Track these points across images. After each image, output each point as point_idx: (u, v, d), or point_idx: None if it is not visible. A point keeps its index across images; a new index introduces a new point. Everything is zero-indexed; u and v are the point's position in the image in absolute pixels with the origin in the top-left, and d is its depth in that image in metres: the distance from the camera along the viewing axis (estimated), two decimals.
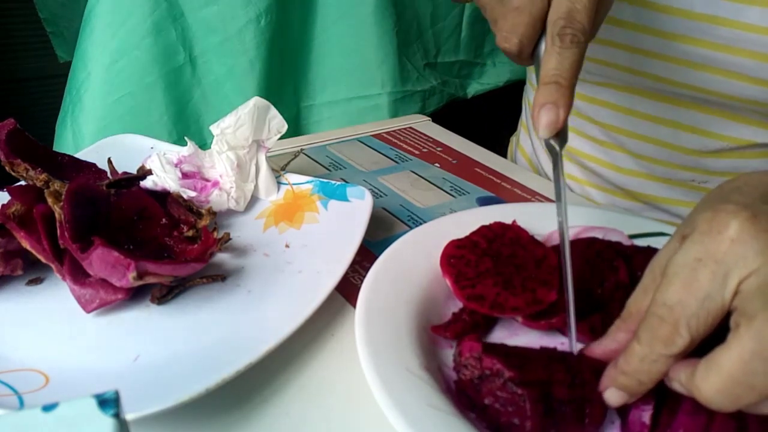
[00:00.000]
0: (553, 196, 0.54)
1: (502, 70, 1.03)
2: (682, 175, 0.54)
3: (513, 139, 0.76)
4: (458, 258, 0.36)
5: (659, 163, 0.54)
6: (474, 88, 1.03)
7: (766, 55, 0.43)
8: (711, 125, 0.50)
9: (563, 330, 0.34)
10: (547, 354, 0.30)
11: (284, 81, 0.83)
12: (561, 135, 0.30)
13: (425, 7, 0.91)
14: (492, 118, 0.85)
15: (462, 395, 0.29)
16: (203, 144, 0.73)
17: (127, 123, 0.69)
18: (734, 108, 0.48)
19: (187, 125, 0.75)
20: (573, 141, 0.60)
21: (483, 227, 0.39)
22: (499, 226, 0.39)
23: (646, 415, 0.27)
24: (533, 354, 0.30)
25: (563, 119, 0.30)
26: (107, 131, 0.68)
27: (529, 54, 0.33)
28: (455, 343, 0.32)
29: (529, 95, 0.66)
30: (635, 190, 0.57)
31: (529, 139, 0.69)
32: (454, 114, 0.94)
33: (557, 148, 0.31)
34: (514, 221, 0.40)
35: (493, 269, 0.35)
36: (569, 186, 0.63)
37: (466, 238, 0.38)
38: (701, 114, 0.50)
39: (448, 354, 0.33)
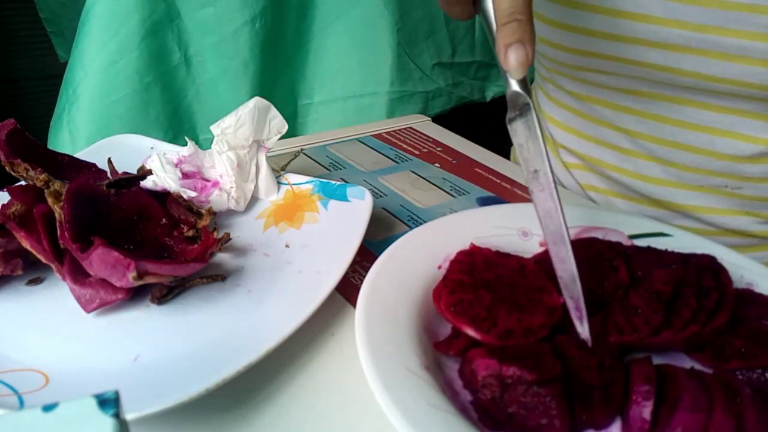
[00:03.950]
0: None
1: None
2: (715, 182, 0.52)
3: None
4: (458, 303, 0.33)
5: (690, 170, 0.52)
6: (493, 91, 1.02)
7: None
8: (746, 128, 0.48)
9: (566, 329, 0.34)
10: (548, 346, 0.30)
11: (278, 81, 0.83)
12: (525, 81, 0.31)
13: (437, 5, 0.90)
14: (495, 124, 0.85)
15: (485, 416, 0.29)
16: (195, 141, 0.74)
17: (125, 122, 0.70)
18: None
19: (180, 123, 0.76)
20: (593, 151, 0.58)
21: (452, 263, 0.37)
22: (464, 255, 0.37)
23: (646, 411, 0.27)
24: (540, 349, 0.30)
25: (531, 56, 0.30)
26: (106, 131, 0.68)
27: (470, 2, 0.34)
28: (461, 360, 0.31)
29: (540, 101, 0.65)
30: (664, 199, 0.55)
31: None
32: (458, 118, 0.93)
33: (526, 97, 0.31)
34: (471, 243, 0.38)
35: (495, 298, 0.34)
36: (590, 197, 0.61)
37: (448, 280, 0.35)
38: (735, 117, 0.48)
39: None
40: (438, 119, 0.75)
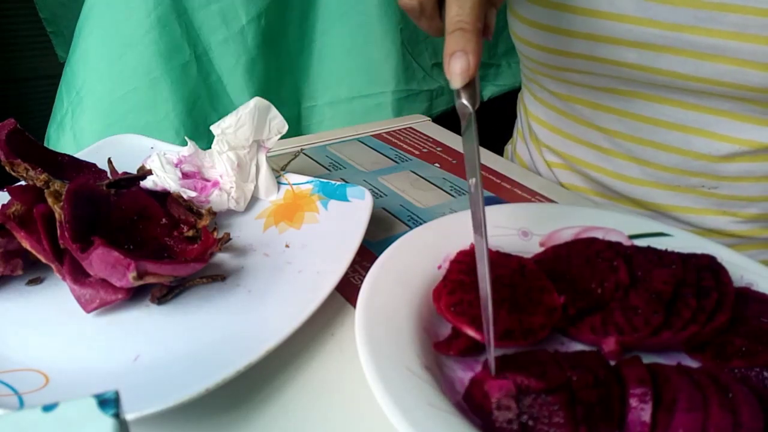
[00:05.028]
0: (553, 196, 0.54)
1: (517, 71, 1.01)
2: (691, 181, 0.52)
3: (508, 147, 0.75)
4: (459, 303, 0.33)
5: (667, 170, 0.53)
6: (490, 90, 1.02)
7: None
8: (722, 127, 0.49)
9: (566, 329, 0.34)
10: (549, 353, 0.30)
11: (284, 81, 0.83)
12: (472, 91, 0.30)
13: None
14: (494, 124, 0.85)
15: None
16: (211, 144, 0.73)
17: (133, 120, 0.68)
18: (747, 103, 0.46)
19: (195, 124, 0.74)
20: (575, 150, 0.59)
21: (452, 263, 0.37)
22: (464, 255, 0.37)
23: (645, 414, 0.27)
24: (542, 356, 0.30)
25: (474, 66, 0.30)
26: (113, 129, 0.67)
27: (432, 9, 0.34)
28: (468, 384, 0.30)
29: (526, 101, 0.65)
30: (642, 199, 0.56)
31: (527, 147, 0.67)
32: (458, 118, 0.93)
33: (470, 108, 0.30)
34: (471, 243, 0.38)
35: (495, 298, 0.33)
36: None
37: (448, 280, 0.35)
38: (711, 116, 0.49)
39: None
40: (438, 119, 0.75)
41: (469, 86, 0.31)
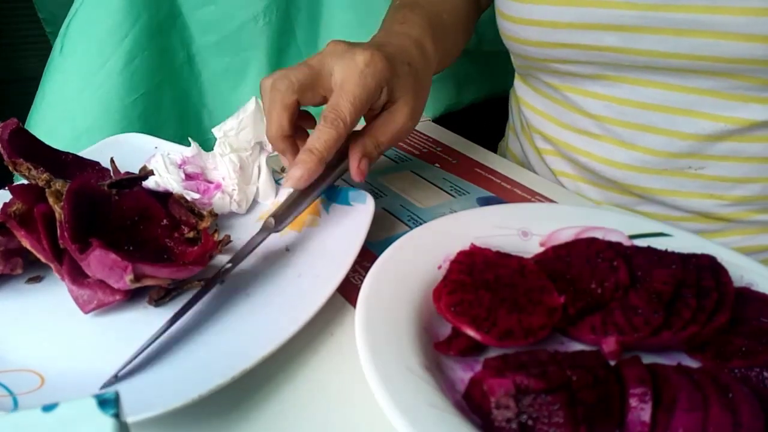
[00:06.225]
0: (552, 196, 0.54)
1: None
2: (678, 164, 0.53)
3: (501, 144, 0.76)
4: (459, 304, 0.33)
5: (654, 153, 0.54)
6: None
7: (758, 9, 0.43)
8: (706, 107, 0.50)
9: (566, 329, 0.34)
10: (549, 353, 0.30)
11: None
12: (281, 217, 0.39)
13: None
14: (495, 124, 0.84)
15: None
16: (203, 143, 0.73)
17: (143, 124, 0.68)
18: (728, 78, 0.47)
19: (190, 124, 0.75)
20: (565, 136, 0.60)
21: (452, 263, 0.37)
22: (464, 255, 0.37)
23: (645, 414, 0.27)
24: (541, 356, 0.30)
25: (306, 178, 0.38)
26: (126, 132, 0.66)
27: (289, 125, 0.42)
28: (468, 383, 0.30)
29: (519, 91, 0.66)
30: (629, 184, 0.56)
31: (518, 141, 0.68)
32: (458, 118, 0.92)
33: (272, 225, 0.39)
34: (471, 243, 0.38)
35: (495, 298, 0.34)
36: (562, 183, 0.62)
37: (448, 280, 0.35)
38: (694, 96, 0.50)
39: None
40: (439, 119, 0.75)
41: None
